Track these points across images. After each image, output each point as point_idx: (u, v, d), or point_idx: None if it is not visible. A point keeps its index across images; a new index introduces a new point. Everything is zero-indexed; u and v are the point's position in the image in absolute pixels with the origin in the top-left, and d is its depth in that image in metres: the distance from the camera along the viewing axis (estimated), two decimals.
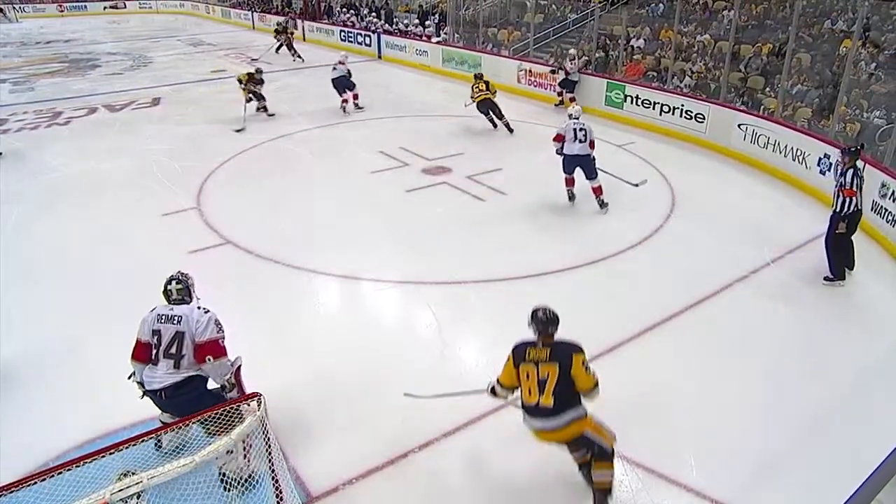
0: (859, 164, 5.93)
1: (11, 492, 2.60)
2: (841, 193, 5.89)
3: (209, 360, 3.61)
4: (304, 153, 10.45)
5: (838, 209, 5.95)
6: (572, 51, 12.99)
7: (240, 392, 3.77)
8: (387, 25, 20.29)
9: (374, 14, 21.16)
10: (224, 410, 3.18)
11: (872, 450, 3.71)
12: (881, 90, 9.39)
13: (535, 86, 13.66)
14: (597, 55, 13.38)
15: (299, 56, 18.87)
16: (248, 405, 3.18)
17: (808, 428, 4.38)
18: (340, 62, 12.61)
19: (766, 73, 11.09)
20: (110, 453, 2.84)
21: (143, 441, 3.20)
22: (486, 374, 4.61)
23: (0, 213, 7.95)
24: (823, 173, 8.02)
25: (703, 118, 10.38)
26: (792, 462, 4.09)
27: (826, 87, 9.94)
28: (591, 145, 7.68)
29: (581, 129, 7.60)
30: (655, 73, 12.59)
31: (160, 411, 3.79)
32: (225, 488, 3.34)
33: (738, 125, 9.75)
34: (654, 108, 11.22)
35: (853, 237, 6.13)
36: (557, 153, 7.81)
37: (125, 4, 34.40)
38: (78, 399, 4.60)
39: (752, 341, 5.36)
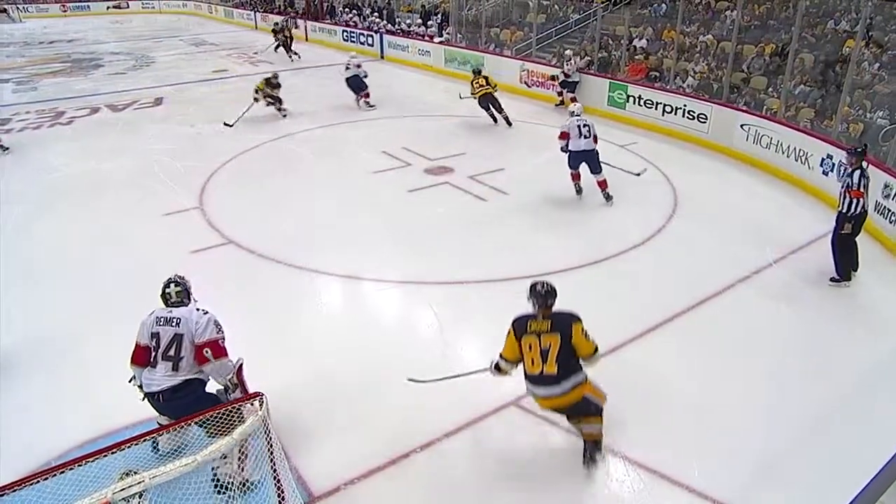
0: (865, 164, 5.92)
1: (15, 490, 2.61)
2: (848, 194, 5.87)
3: (210, 360, 3.62)
4: (306, 153, 10.46)
5: (844, 210, 5.93)
6: (568, 52, 12.99)
7: (242, 392, 3.77)
8: (389, 25, 20.30)
9: (376, 14, 21.17)
10: (224, 411, 3.18)
11: (875, 451, 3.70)
12: (884, 90, 9.37)
13: (538, 86, 13.65)
14: (599, 55, 13.37)
15: (296, 54, 18.95)
16: (251, 405, 3.18)
17: (810, 428, 4.37)
18: (357, 65, 12.88)
19: (769, 73, 11.08)
20: (112, 452, 2.84)
21: (144, 440, 3.21)
22: (486, 366, 4.64)
23: (1, 213, 7.96)
24: (826, 174, 8.01)
25: (706, 118, 10.36)
26: (794, 463, 4.08)
27: (829, 87, 9.93)
28: (595, 140, 7.83)
29: (585, 125, 7.78)
30: (658, 74, 12.58)
31: (158, 414, 3.79)
32: (217, 491, 3.34)
33: (741, 125, 9.73)
34: (656, 109, 11.21)
35: (857, 238, 6.11)
36: (563, 150, 7.94)
37: (128, 4, 34.46)
38: (78, 399, 4.60)
39: (755, 342, 5.35)
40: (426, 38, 18.21)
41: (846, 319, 5.72)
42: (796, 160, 8.68)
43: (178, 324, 3.63)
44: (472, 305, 5.91)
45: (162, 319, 3.67)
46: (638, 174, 8.47)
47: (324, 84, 15.11)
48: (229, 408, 3.21)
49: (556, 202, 8.22)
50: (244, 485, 3.50)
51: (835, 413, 4.53)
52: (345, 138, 11.25)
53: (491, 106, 11.61)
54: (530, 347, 3.75)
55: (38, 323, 5.63)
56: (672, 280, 6.31)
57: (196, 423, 3.21)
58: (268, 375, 4.17)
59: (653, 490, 3.84)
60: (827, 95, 9.84)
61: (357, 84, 12.94)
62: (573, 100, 11.51)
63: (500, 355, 3.97)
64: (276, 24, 20.61)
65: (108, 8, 33.81)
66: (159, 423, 3.74)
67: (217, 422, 3.15)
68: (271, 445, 3.19)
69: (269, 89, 12.09)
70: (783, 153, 8.95)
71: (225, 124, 11.66)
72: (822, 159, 8.10)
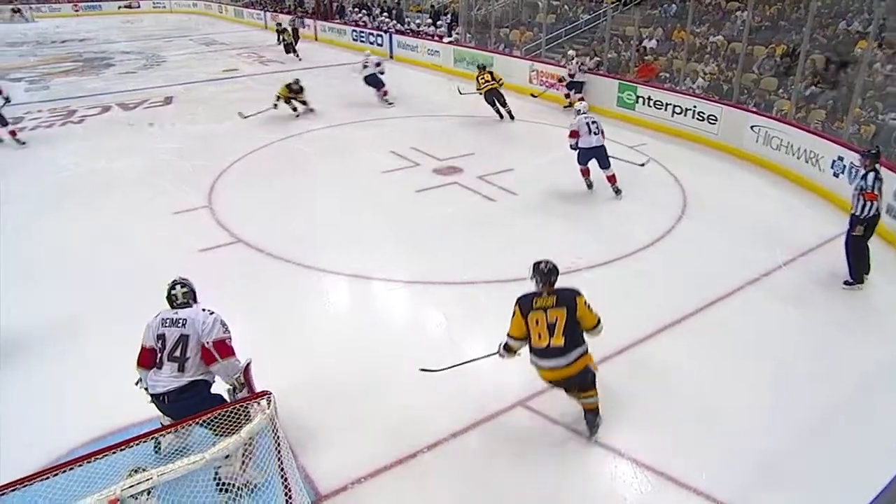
0: (878, 166, 5.87)
1: (25, 486, 2.63)
2: (861, 196, 5.82)
3: (217, 360, 3.63)
4: (314, 152, 10.48)
5: (858, 212, 5.88)
6: (571, 52, 12.98)
7: (249, 392, 3.78)
8: (398, 25, 20.32)
9: (385, 14, 21.20)
10: (231, 410, 3.19)
11: (883, 456, 3.68)
12: None
13: (548, 86, 13.62)
14: (609, 56, 13.33)
15: (296, 55, 19.08)
16: (258, 404, 3.19)
17: (818, 431, 4.34)
18: (376, 63, 13.13)
19: (780, 74, 11.02)
20: (121, 449, 2.85)
21: (153, 438, 3.23)
22: (497, 373, 4.63)
23: (11, 211, 8.03)
24: (837, 175, 7.96)
25: (716, 119, 10.31)
26: (801, 466, 4.05)
27: (840, 88, 9.86)
28: (603, 136, 8.08)
29: (594, 122, 8.00)
30: (668, 75, 12.53)
31: (162, 415, 3.78)
32: (219, 490, 3.35)
33: (751, 127, 9.68)
34: (666, 110, 11.17)
35: (869, 241, 6.06)
36: (572, 148, 8.10)
37: (139, 4, 34.64)
38: (80, 398, 4.60)
39: (764, 344, 5.32)
40: (435, 38, 18.21)
41: (856, 322, 5.68)
42: (807, 162, 8.63)
43: (184, 324, 3.64)
44: (481, 305, 5.90)
45: (168, 321, 3.68)
46: (642, 165, 8.71)
47: (332, 84, 15.15)
48: (236, 407, 3.22)
49: (564, 202, 8.21)
50: (246, 486, 3.50)
51: (843, 416, 4.49)
52: (354, 138, 11.27)
53: (496, 101, 11.81)
54: (537, 322, 3.98)
55: (42, 320, 5.64)
56: (681, 281, 6.29)
57: (203, 423, 3.21)
58: (276, 374, 4.16)
59: (660, 492, 3.83)
60: (838, 97, 9.77)
61: (375, 82, 13.18)
62: (580, 99, 11.53)
63: (508, 335, 4.16)
64: (279, 24, 20.75)
65: (119, 7, 34.00)
66: (162, 424, 3.74)
67: (224, 421, 3.15)
68: (279, 444, 3.19)
69: (292, 95, 12.16)
70: (793, 155, 8.90)
71: (240, 115, 11.76)
72: (833, 161, 8.05)
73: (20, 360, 5.10)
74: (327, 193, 8.66)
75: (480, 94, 11.90)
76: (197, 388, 3.65)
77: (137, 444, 2.91)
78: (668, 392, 4.71)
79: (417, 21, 20.26)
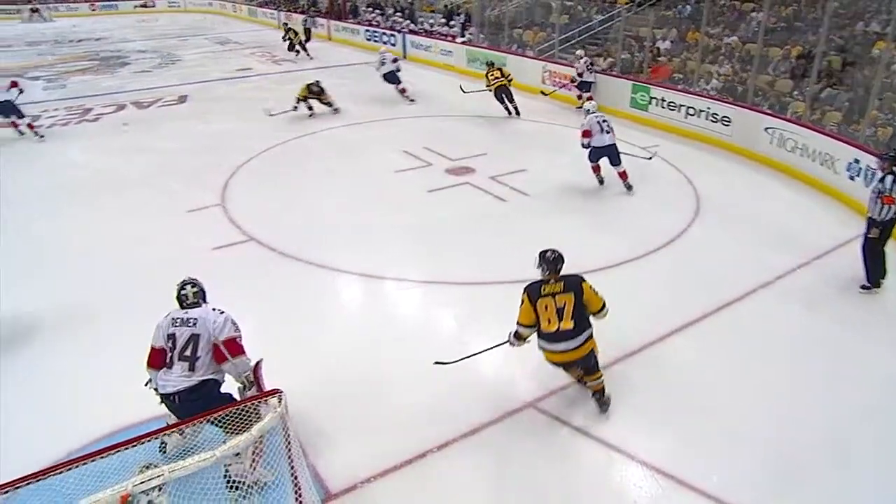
0: None
1: (39, 479, 2.66)
2: (879, 200, 5.75)
3: (228, 358, 3.66)
4: (328, 151, 10.53)
5: (875, 215, 5.81)
6: (579, 51, 12.94)
7: (259, 390, 3.80)
8: (411, 25, 20.34)
9: (399, 14, 21.23)
10: (242, 408, 3.21)
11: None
12: None
13: (559, 86, 13.58)
14: (622, 57, 13.27)
15: (297, 53, 19.23)
16: (268, 402, 3.21)
17: (832, 437, 4.29)
18: (393, 60, 13.48)
19: (795, 76, 10.91)
20: (133, 446, 2.88)
21: (165, 435, 3.25)
22: (508, 374, 4.63)
23: (24, 208, 8.12)
24: (853, 178, 7.87)
25: (729, 121, 10.24)
26: (812, 471, 4.03)
27: (857, 90, 9.75)
28: (614, 134, 8.26)
29: (604, 121, 8.21)
30: (681, 76, 12.46)
31: (171, 415, 3.79)
32: (229, 488, 3.36)
33: (765, 129, 9.60)
34: (679, 111, 11.10)
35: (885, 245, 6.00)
36: (584, 147, 8.26)
37: (154, 3, 34.89)
38: (96, 393, 4.63)
39: (777, 347, 5.28)
40: (448, 38, 18.21)
41: (872, 327, 5.61)
42: (822, 164, 8.55)
43: (195, 324, 3.67)
44: (494, 306, 5.87)
45: (178, 320, 3.70)
46: (648, 158, 8.85)
47: (345, 83, 15.17)
48: (247, 405, 3.23)
49: (576, 204, 8.20)
50: (255, 485, 3.52)
51: (858, 422, 4.44)
52: (367, 137, 11.30)
53: (505, 98, 12.06)
54: (546, 308, 4.17)
55: (55, 315, 5.70)
56: (693, 283, 6.25)
57: (214, 421, 3.23)
58: (285, 373, 4.17)
59: (671, 496, 3.81)
60: (855, 98, 9.67)
61: (394, 78, 13.45)
62: (589, 98, 11.55)
63: (518, 323, 4.31)
64: (285, 23, 20.92)
65: (135, 7, 34.27)
66: (168, 423, 3.76)
67: (234, 419, 3.17)
68: (289, 443, 3.20)
69: (313, 96, 12.22)
70: (808, 157, 8.81)
71: (266, 111, 11.85)
72: (849, 164, 7.96)
73: (28, 352, 5.18)
74: (340, 192, 8.68)
75: (490, 90, 12.11)
76: (207, 387, 3.67)
77: (149, 441, 2.94)
78: (680, 394, 4.69)
79: (430, 21, 20.26)
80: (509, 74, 12.22)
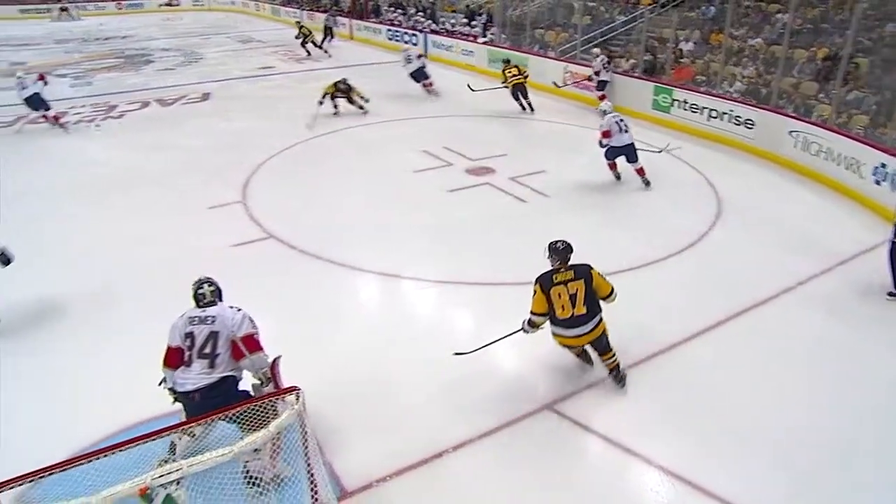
0: None
1: (61, 471, 2.71)
2: None
3: (246, 355, 3.69)
4: (348, 150, 10.57)
5: None
6: (595, 49, 12.89)
7: (275, 387, 3.82)
8: (433, 25, 20.36)
9: (420, 13, 21.27)
10: (259, 405, 3.23)
11: None
12: None
13: (581, 87, 13.52)
14: (644, 58, 13.17)
15: (309, 53, 19.37)
16: (285, 399, 3.22)
17: (854, 446, 4.23)
18: (418, 56, 13.83)
19: (821, 78, 10.74)
20: (152, 439, 2.91)
21: (183, 430, 3.28)
22: (525, 375, 4.61)
23: (48, 204, 8.25)
24: (879, 183, 7.74)
25: (753, 124, 10.12)
26: (828, 478, 3.97)
27: (885, 93, 9.58)
28: (630, 133, 8.49)
29: (622, 120, 8.40)
30: (704, 78, 12.33)
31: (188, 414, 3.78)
32: (249, 485, 3.39)
33: (790, 132, 9.47)
34: (701, 113, 10.99)
35: None
36: (602, 146, 8.45)
37: (179, 2, 35.27)
38: (114, 388, 4.67)
39: (798, 354, 5.21)
40: (470, 38, 18.20)
41: (892, 335, 5.50)
42: (847, 168, 8.41)
43: (213, 322, 3.70)
44: (511, 307, 5.85)
45: (196, 319, 3.73)
46: (660, 151, 9.03)
47: (367, 82, 15.18)
48: (264, 402, 3.26)
49: (596, 205, 8.16)
50: (275, 479, 3.54)
51: (875, 430, 4.38)
52: (387, 136, 11.33)
53: (520, 95, 12.32)
54: (559, 296, 4.39)
55: (77, 310, 5.80)
56: (715, 286, 6.18)
57: (231, 418, 3.25)
58: (303, 370, 4.19)
59: (685, 500, 3.77)
60: (883, 101, 9.50)
61: (422, 75, 13.71)
62: (602, 97, 11.52)
63: (532, 312, 4.51)
64: (298, 21, 21.10)
65: (160, 5, 34.69)
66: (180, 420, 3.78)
67: (252, 416, 3.20)
68: (306, 440, 3.22)
69: (340, 94, 12.27)
70: (833, 161, 8.67)
71: (308, 126, 11.69)
72: (876, 168, 7.83)
73: (45, 347, 5.26)
74: (359, 191, 8.71)
75: (508, 87, 12.29)
76: (227, 384, 3.70)
77: (167, 435, 2.97)
78: (698, 399, 4.65)
79: (452, 21, 20.26)
80: (526, 71, 12.42)
